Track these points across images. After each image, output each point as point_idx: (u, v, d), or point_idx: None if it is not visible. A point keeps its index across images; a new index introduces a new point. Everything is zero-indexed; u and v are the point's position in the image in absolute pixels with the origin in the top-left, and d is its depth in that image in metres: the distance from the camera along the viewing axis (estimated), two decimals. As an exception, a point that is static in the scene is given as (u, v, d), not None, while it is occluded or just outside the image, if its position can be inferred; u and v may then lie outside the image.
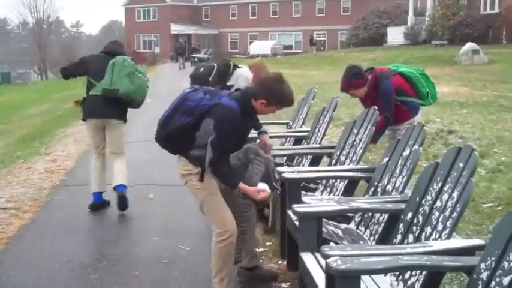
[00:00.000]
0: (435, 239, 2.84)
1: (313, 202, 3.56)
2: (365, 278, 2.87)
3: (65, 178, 7.44)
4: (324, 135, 5.49)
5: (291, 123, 6.41)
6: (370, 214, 3.66)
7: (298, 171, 4.30)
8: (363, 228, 3.70)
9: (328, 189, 4.52)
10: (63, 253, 4.71)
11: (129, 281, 4.16)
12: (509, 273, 2.22)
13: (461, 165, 2.89)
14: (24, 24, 79.69)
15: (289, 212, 3.90)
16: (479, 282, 2.35)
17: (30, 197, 6.47)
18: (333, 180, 4.49)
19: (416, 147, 3.60)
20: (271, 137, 4.58)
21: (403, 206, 3.25)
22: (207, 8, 61.10)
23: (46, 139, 11.40)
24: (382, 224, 3.48)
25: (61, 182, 7.23)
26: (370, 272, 2.56)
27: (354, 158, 4.45)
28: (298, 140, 5.88)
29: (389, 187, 3.69)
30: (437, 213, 2.91)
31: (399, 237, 3.16)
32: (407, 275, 2.83)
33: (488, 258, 2.35)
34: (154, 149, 4.44)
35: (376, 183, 3.86)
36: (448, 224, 2.80)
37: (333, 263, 2.36)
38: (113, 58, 5.66)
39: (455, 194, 2.84)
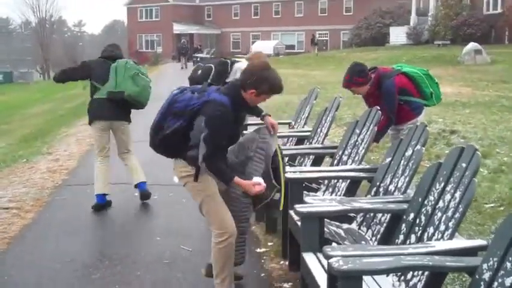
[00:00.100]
0: (437, 240, 2.83)
1: (315, 202, 3.57)
2: (367, 279, 2.87)
3: (67, 178, 7.44)
4: (326, 135, 5.48)
5: (293, 123, 6.41)
6: (372, 214, 3.65)
7: (300, 171, 4.29)
8: (365, 229, 3.69)
9: (330, 189, 4.51)
10: (65, 253, 4.71)
11: (131, 281, 4.16)
12: (512, 274, 2.22)
13: (463, 165, 2.88)
14: (27, 24, 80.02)
15: (291, 212, 3.90)
16: (482, 283, 2.34)
17: (32, 196, 6.47)
18: (335, 180, 4.48)
19: (418, 147, 3.59)
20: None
21: (405, 206, 3.25)
22: (209, 8, 61.16)
23: (48, 139, 11.42)
24: (384, 224, 3.47)
25: (63, 181, 7.24)
26: (372, 272, 2.55)
27: (356, 158, 4.45)
28: (300, 140, 5.87)
29: (391, 187, 3.68)
30: (439, 214, 2.91)
31: (401, 237, 3.16)
32: (409, 276, 2.83)
33: (491, 258, 2.35)
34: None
35: (378, 184, 3.85)
36: (450, 224, 2.80)
37: (335, 263, 2.35)
38: (114, 62, 5.74)
39: (457, 194, 2.83)
